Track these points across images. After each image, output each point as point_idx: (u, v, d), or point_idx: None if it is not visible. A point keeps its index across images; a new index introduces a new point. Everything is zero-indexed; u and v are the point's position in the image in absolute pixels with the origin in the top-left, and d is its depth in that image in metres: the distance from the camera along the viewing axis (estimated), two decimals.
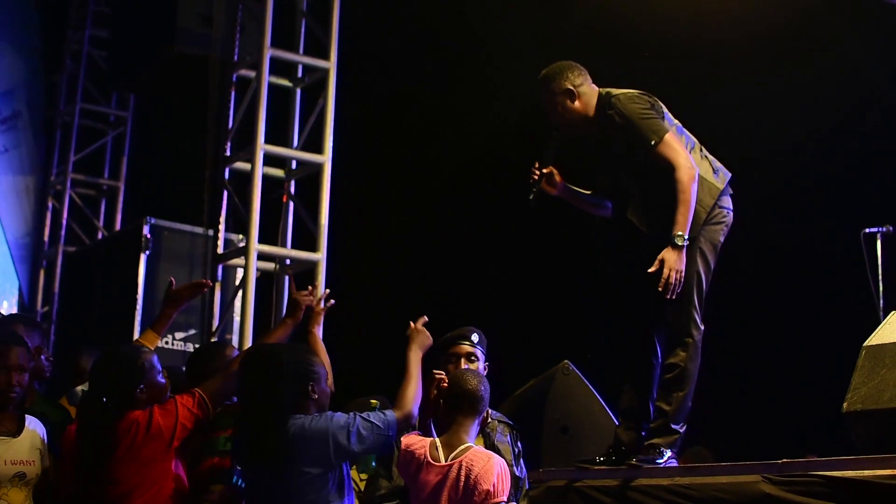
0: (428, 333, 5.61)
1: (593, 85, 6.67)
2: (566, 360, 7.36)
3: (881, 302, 9.84)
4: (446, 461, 5.20)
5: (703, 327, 6.38)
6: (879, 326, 6.24)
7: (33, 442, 5.52)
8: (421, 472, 5.27)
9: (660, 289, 6.16)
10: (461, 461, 5.16)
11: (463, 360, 6.04)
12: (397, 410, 5.13)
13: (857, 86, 11.98)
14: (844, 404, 5.83)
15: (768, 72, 12.15)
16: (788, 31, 11.95)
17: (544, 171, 6.69)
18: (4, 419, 5.46)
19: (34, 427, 5.58)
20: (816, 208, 11.96)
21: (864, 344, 6.06)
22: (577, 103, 6.60)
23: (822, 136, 12.05)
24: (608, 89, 6.64)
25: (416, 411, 5.20)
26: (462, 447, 5.22)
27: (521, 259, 12.46)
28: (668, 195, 6.28)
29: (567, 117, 6.63)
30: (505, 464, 5.25)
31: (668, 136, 6.35)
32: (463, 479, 5.11)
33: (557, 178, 6.75)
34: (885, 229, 9.77)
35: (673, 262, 6.18)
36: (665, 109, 6.58)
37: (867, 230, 9.77)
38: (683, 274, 6.20)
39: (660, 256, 6.21)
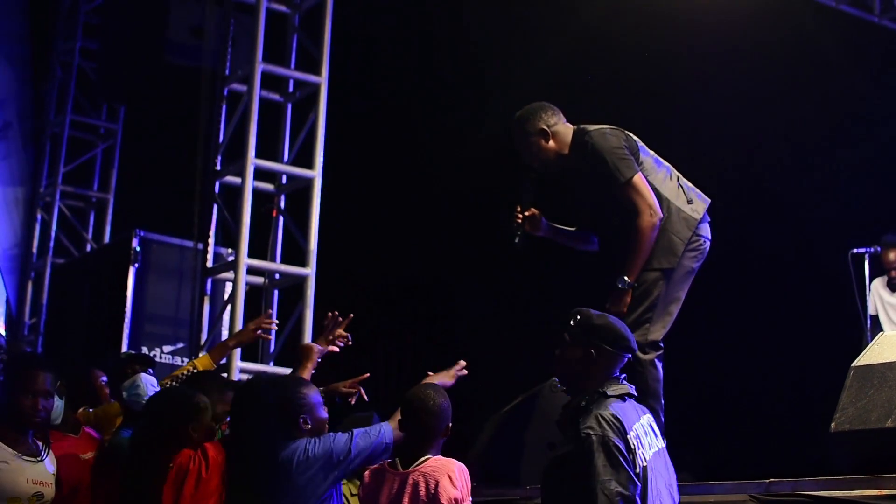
0: (453, 376, 5.90)
1: (567, 123, 6.73)
2: (554, 377, 7.36)
3: (868, 322, 9.88)
4: (404, 469, 5.22)
5: (662, 347, 6.43)
6: (867, 347, 6.26)
7: (51, 467, 5.61)
8: (378, 480, 5.31)
9: None
10: (421, 469, 5.18)
11: None
12: (392, 419, 5.35)
13: (847, 107, 12.03)
14: (832, 424, 5.84)
15: (756, 92, 12.19)
16: (778, 53, 12.00)
17: (526, 213, 6.75)
18: (28, 442, 5.54)
19: (51, 453, 5.67)
20: (804, 229, 11.99)
21: (852, 364, 6.09)
22: (551, 143, 6.67)
23: (809, 157, 12.09)
24: (583, 125, 6.70)
25: None
26: (423, 458, 5.23)
27: (511, 276, 12.47)
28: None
29: (542, 157, 6.70)
30: (465, 468, 5.26)
31: (635, 179, 6.41)
32: (423, 486, 5.12)
33: (542, 220, 6.82)
34: (872, 250, 9.82)
35: (613, 305, 6.32)
36: (640, 143, 6.63)
37: (855, 251, 9.81)
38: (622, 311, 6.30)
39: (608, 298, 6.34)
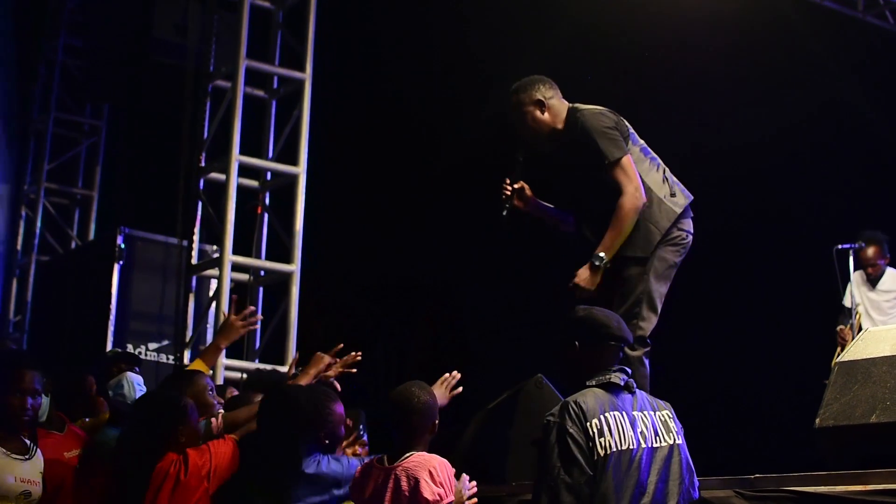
0: (445, 394, 5.90)
1: (563, 99, 6.73)
2: (539, 374, 7.36)
3: (854, 318, 9.91)
4: (389, 465, 5.25)
5: (650, 343, 6.40)
6: (852, 342, 6.27)
7: (38, 465, 5.61)
8: (366, 476, 5.35)
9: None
10: (403, 465, 5.20)
11: None
12: None
13: (832, 102, 12.06)
14: (817, 420, 5.85)
15: (743, 87, 12.21)
16: (764, 49, 12.02)
17: (515, 186, 6.75)
18: (16, 440, 5.55)
19: (38, 451, 5.66)
20: (790, 224, 12.02)
21: (837, 360, 6.09)
22: (546, 115, 6.67)
23: (795, 152, 12.12)
24: (577, 104, 6.70)
25: None
26: (407, 454, 5.25)
27: (497, 273, 12.48)
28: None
29: (536, 129, 6.69)
30: (447, 464, 5.27)
31: (624, 160, 6.41)
32: (405, 482, 5.15)
33: (528, 192, 6.83)
34: (857, 245, 9.84)
35: (583, 278, 6.34)
36: (630, 129, 6.63)
37: (840, 246, 9.84)
38: (590, 293, 6.31)
39: (577, 272, 6.34)
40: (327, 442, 5.32)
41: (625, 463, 4.63)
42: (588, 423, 4.62)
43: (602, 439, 4.61)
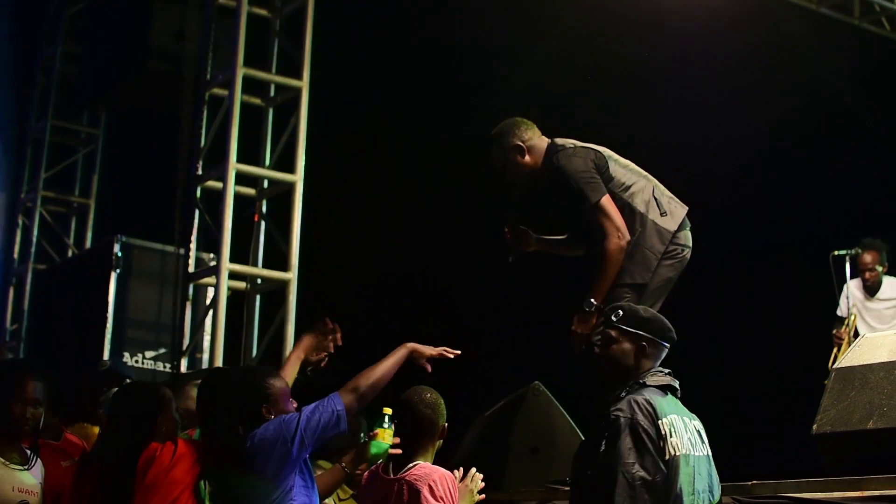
0: (426, 363, 5.60)
1: (542, 137, 6.81)
2: (537, 381, 7.37)
3: (849, 324, 9.91)
4: (394, 476, 5.23)
5: None
6: (849, 349, 6.28)
7: (38, 475, 5.59)
8: (371, 486, 5.37)
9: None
10: (406, 476, 5.20)
11: None
12: (343, 388, 5.12)
13: (829, 109, 12.07)
14: (814, 426, 5.87)
15: (742, 97, 12.23)
16: (760, 56, 12.04)
17: (515, 233, 6.88)
18: (16, 450, 5.52)
19: (38, 461, 5.64)
20: (786, 230, 12.03)
21: (834, 366, 6.11)
22: (527, 158, 6.81)
23: (792, 160, 12.14)
24: (554, 140, 6.75)
25: (366, 392, 5.08)
26: (411, 464, 5.24)
27: (494, 279, 12.48)
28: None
29: (519, 172, 6.83)
30: (449, 477, 5.25)
31: (602, 201, 6.48)
32: (406, 495, 5.16)
33: (530, 235, 7.02)
34: (853, 252, 9.85)
35: (579, 325, 6.41)
36: (612, 157, 6.67)
37: (836, 252, 9.85)
38: (588, 337, 6.28)
39: (574, 319, 6.41)
40: (272, 416, 5.06)
41: (687, 466, 4.58)
42: (659, 421, 4.57)
43: (672, 439, 4.56)
